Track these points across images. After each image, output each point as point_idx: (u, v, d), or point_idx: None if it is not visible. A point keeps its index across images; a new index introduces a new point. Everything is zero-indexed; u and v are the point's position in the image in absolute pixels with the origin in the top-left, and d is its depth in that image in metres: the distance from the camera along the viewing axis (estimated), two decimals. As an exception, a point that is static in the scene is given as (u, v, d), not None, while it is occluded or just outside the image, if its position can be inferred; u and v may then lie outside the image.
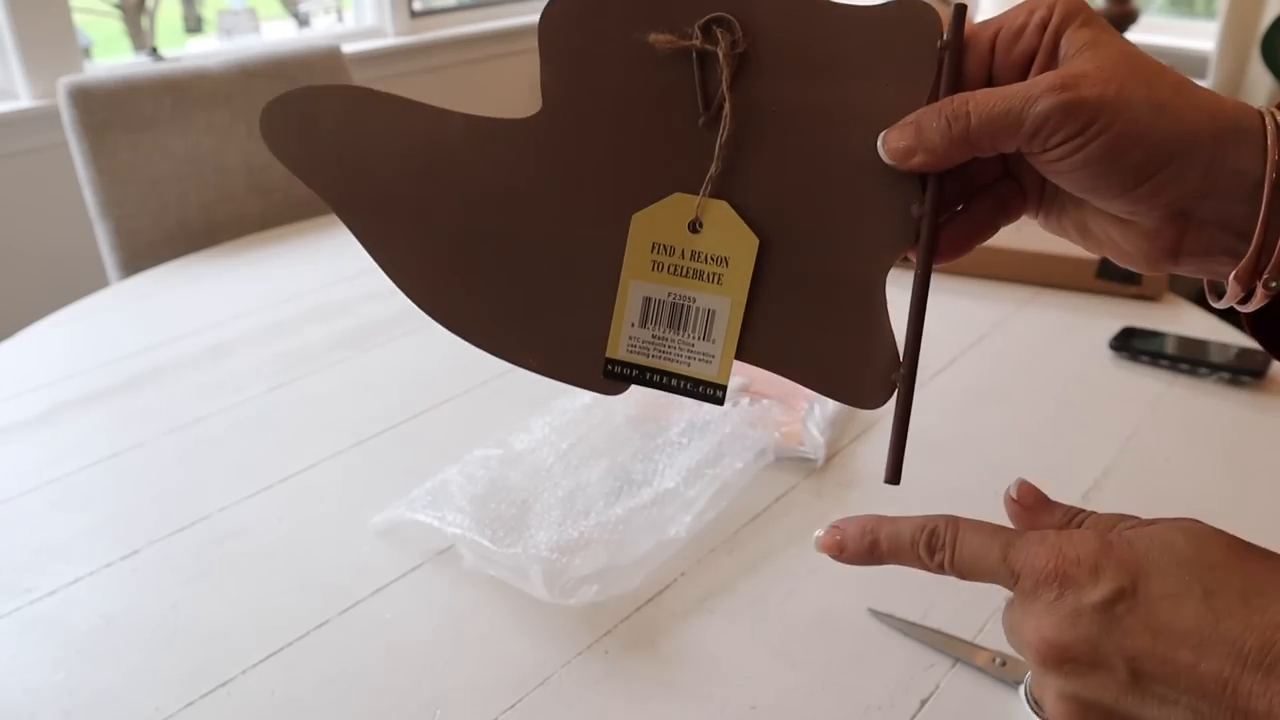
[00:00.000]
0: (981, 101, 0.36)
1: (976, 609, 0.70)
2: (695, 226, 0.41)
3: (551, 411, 0.90)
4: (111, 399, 1.00)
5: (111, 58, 2.39)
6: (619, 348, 0.42)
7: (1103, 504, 0.81)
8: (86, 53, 2.21)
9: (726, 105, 0.39)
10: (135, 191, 1.44)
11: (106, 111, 1.41)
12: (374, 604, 0.72)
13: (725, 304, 0.41)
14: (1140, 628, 0.34)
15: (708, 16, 0.39)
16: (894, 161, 0.38)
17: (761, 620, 0.70)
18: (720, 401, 0.42)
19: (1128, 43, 0.37)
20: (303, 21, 2.89)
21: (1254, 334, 0.41)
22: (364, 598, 0.72)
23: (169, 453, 0.91)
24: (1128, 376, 1.00)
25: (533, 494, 0.79)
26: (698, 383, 0.42)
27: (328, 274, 1.28)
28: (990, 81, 0.38)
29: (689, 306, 0.41)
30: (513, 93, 2.87)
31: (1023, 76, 0.38)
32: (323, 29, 2.84)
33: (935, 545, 0.41)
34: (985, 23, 0.39)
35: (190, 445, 0.92)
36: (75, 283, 1.53)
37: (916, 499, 0.82)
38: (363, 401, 0.98)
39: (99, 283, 1.37)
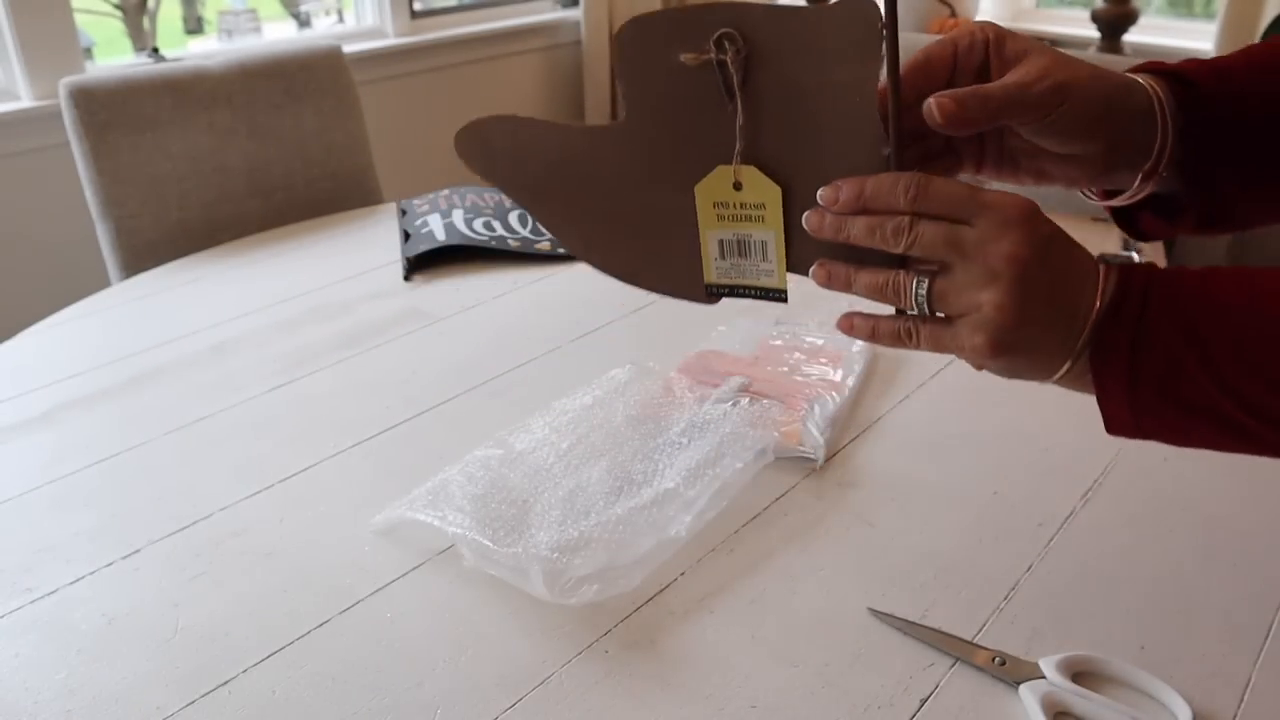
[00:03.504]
0: (999, 90, 0.52)
1: (976, 609, 0.70)
2: (737, 186, 0.57)
3: (551, 411, 0.90)
4: (113, 399, 1.00)
5: (112, 58, 2.39)
6: (711, 275, 0.60)
7: (1102, 504, 0.81)
8: (87, 53, 2.21)
9: (738, 97, 0.55)
10: (136, 191, 1.44)
11: (107, 112, 1.41)
12: (374, 604, 0.72)
13: (770, 234, 0.58)
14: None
15: (717, 33, 0.54)
16: (942, 119, 0.51)
17: (761, 620, 0.70)
18: (784, 300, 0.59)
19: (1048, 45, 0.55)
20: (303, 22, 2.89)
21: (1122, 224, 0.61)
22: (364, 597, 0.72)
23: (170, 452, 0.91)
24: (1127, 377, 1.00)
25: (533, 494, 0.79)
26: (767, 290, 0.59)
27: (328, 274, 1.28)
28: (953, 82, 0.55)
29: (748, 240, 0.58)
30: (513, 93, 2.87)
31: (980, 77, 0.55)
32: (323, 29, 2.85)
33: (910, 184, 0.51)
34: (939, 43, 0.56)
35: (191, 445, 0.92)
36: (76, 283, 1.54)
37: (917, 498, 0.83)
38: (363, 401, 0.98)
39: (100, 283, 1.37)
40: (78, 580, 0.75)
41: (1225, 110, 0.55)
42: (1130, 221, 0.61)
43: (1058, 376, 0.52)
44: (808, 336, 1.04)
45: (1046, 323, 0.50)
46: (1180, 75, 0.56)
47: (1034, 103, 0.52)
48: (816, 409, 0.91)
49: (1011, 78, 0.52)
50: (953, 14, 2.49)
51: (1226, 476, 0.84)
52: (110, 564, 0.76)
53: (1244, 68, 0.57)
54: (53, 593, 0.74)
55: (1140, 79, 0.56)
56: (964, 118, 0.51)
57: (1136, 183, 0.56)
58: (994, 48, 0.54)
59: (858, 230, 0.53)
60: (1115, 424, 0.51)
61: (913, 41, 1.75)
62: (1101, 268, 0.51)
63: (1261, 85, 0.56)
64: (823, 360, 1.00)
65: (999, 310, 0.49)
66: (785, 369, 0.99)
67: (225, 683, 0.65)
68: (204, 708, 0.63)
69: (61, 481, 0.87)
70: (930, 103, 0.51)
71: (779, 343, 1.04)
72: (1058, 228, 0.50)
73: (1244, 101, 0.56)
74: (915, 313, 0.53)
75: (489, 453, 0.84)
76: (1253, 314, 0.48)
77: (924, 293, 0.52)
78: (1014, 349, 0.50)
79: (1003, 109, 0.52)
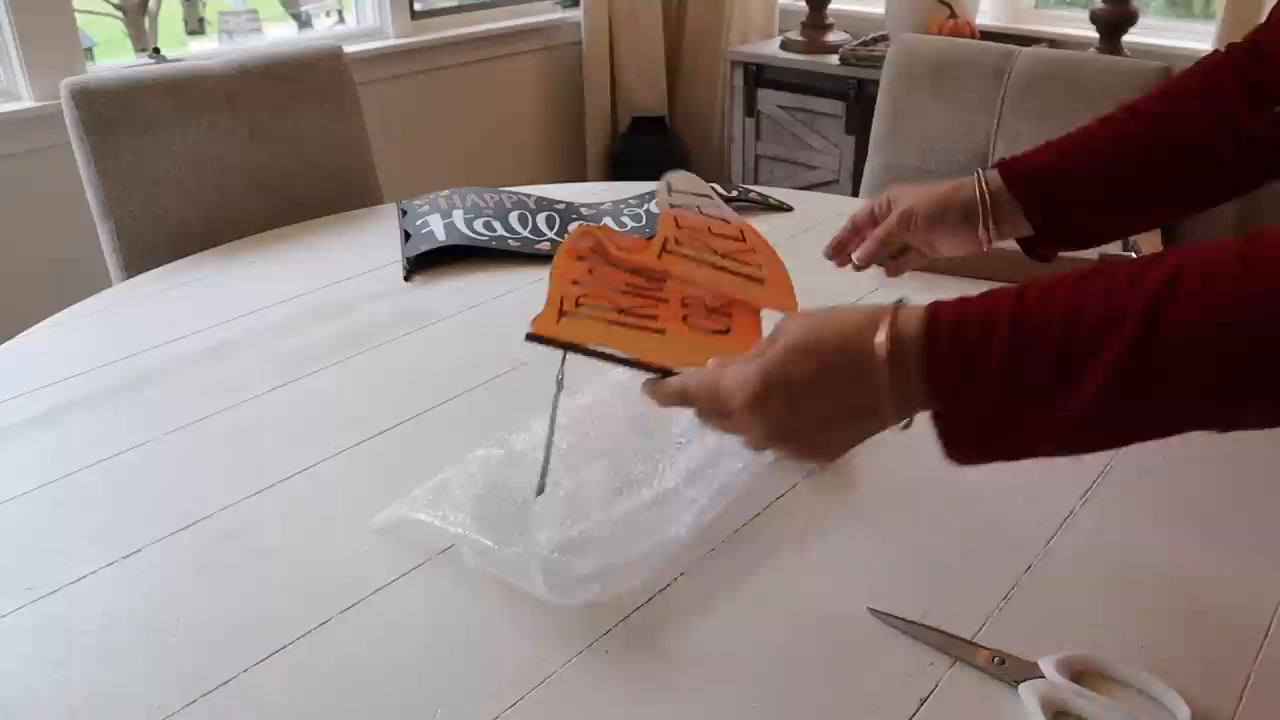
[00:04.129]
0: (879, 234, 0.90)
1: (976, 608, 0.70)
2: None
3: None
4: (114, 399, 1.00)
5: (113, 59, 2.40)
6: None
7: (1102, 504, 0.81)
8: (88, 54, 2.21)
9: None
10: (137, 192, 1.44)
11: (109, 112, 1.41)
12: (374, 604, 0.72)
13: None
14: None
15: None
16: (859, 265, 0.92)
17: (761, 620, 0.70)
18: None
19: (909, 185, 0.92)
20: (303, 22, 2.89)
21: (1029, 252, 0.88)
22: (364, 597, 0.73)
23: (171, 452, 0.91)
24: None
25: (533, 494, 0.79)
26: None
27: (328, 274, 1.28)
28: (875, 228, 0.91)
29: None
30: (513, 93, 2.88)
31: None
32: (323, 30, 2.85)
33: (673, 393, 0.65)
34: (861, 210, 0.92)
35: (192, 445, 0.92)
36: (78, 283, 1.53)
37: (917, 498, 0.83)
38: (363, 401, 0.98)
39: (101, 283, 1.37)
40: (79, 580, 0.75)
41: (1053, 176, 0.84)
42: (1033, 249, 0.87)
43: (897, 427, 0.59)
44: (709, 210, 0.84)
45: (829, 427, 0.59)
46: (1015, 163, 0.85)
47: (895, 230, 0.88)
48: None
49: (881, 226, 0.89)
50: (951, 14, 2.49)
51: (1226, 476, 0.84)
52: (111, 563, 0.77)
53: (1074, 142, 0.84)
54: (54, 592, 0.74)
55: (976, 175, 0.85)
56: (868, 260, 0.91)
57: (989, 236, 0.86)
58: (889, 206, 0.90)
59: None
60: (964, 458, 0.57)
61: (913, 41, 1.75)
62: (890, 356, 0.56)
63: (1084, 156, 0.84)
64: (741, 250, 0.81)
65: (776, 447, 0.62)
66: (708, 267, 0.78)
67: (225, 682, 0.65)
68: (204, 707, 0.64)
69: (62, 481, 0.87)
70: (854, 257, 0.92)
71: (686, 215, 0.83)
72: (794, 374, 0.58)
73: (1068, 167, 0.84)
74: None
75: (489, 452, 0.84)
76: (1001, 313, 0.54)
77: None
78: (803, 455, 0.63)
79: (883, 243, 0.89)
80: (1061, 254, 0.87)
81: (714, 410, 0.62)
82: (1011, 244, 0.88)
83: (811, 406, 0.58)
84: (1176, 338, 0.48)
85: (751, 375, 0.59)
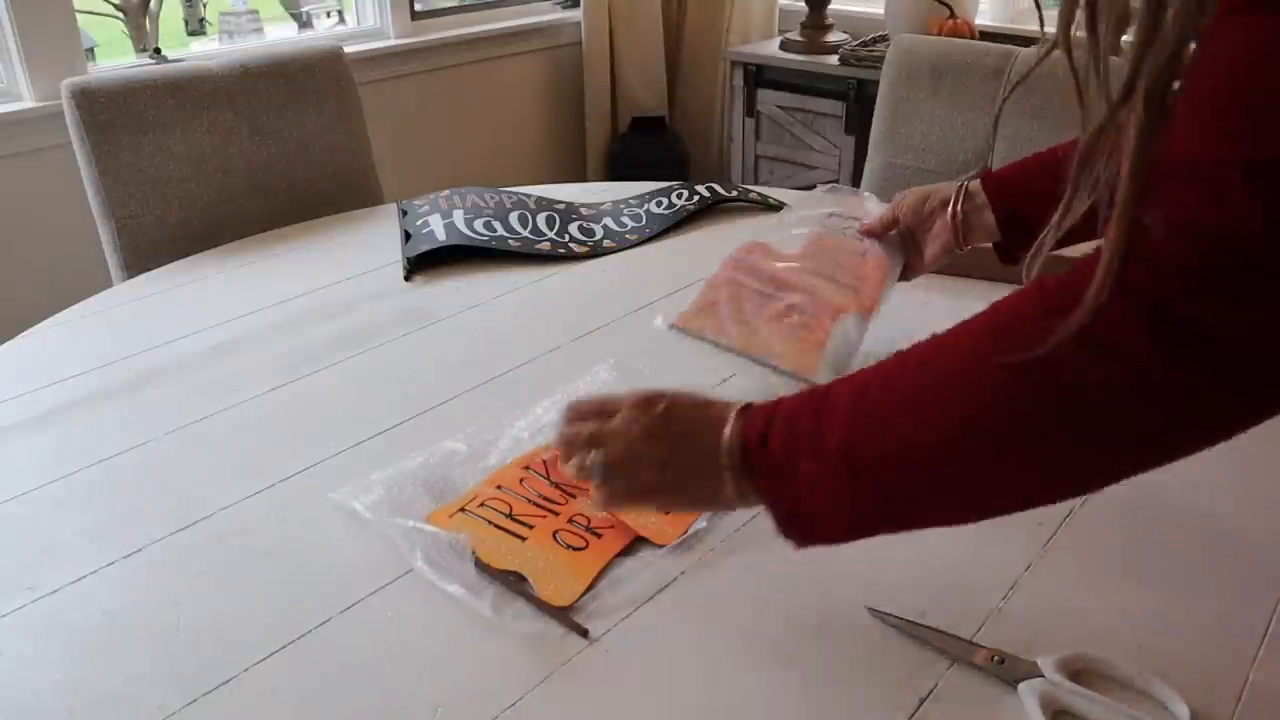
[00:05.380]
0: (882, 216, 1.03)
1: (975, 608, 0.70)
2: None
3: (532, 414, 0.92)
4: (114, 399, 1.00)
5: (114, 59, 2.40)
6: None
7: (1101, 504, 0.81)
8: (89, 54, 2.22)
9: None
10: (138, 192, 1.44)
11: (109, 112, 1.41)
12: (374, 603, 0.72)
13: None
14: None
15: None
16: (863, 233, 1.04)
17: (761, 620, 0.70)
18: None
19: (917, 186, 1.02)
20: (304, 23, 2.90)
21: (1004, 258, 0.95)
22: (364, 597, 0.73)
23: (171, 452, 0.91)
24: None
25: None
26: None
27: (328, 274, 1.28)
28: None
29: None
30: (513, 94, 2.88)
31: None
32: (324, 30, 2.85)
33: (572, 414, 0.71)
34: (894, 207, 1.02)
35: (192, 445, 0.92)
36: (78, 283, 1.54)
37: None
38: (363, 401, 0.98)
39: (102, 283, 1.37)
40: (80, 579, 0.75)
41: (1023, 185, 0.91)
42: (1009, 254, 0.94)
43: (725, 499, 0.64)
44: (857, 236, 1.03)
45: (678, 455, 0.65)
46: (994, 171, 0.94)
47: (890, 210, 1.01)
48: (837, 336, 0.92)
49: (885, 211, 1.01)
50: (951, 15, 2.49)
51: (1226, 476, 0.84)
52: (112, 563, 0.77)
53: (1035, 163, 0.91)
54: (55, 592, 0.74)
55: (960, 182, 0.95)
56: (874, 233, 1.02)
57: (958, 228, 0.95)
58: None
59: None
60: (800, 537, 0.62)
61: (913, 41, 1.75)
62: (731, 417, 0.63)
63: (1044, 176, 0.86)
64: (859, 267, 1.00)
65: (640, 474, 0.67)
66: (822, 279, 0.99)
67: (226, 682, 0.65)
68: (205, 707, 0.64)
69: (63, 481, 0.87)
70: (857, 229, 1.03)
71: (832, 237, 1.04)
72: (682, 397, 0.66)
73: (1031, 180, 0.90)
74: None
75: (454, 446, 0.87)
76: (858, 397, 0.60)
77: (600, 461, 0.67)
78: (646, 480, 0.66)
79: (882, 219, 1.01)
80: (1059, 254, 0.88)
81: (598, 410, 0.68)
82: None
83: (680, 423, 0.65)
84: (856, 456, 0.57)
85: (646, 389, 0.67)
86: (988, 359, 0.54)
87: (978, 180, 0.94)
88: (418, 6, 2.62)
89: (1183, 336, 0.48)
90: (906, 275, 1.02)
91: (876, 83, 1.77)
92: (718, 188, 1.47)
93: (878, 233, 1.01)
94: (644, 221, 1.41)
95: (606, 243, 1.36)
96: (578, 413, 0.69)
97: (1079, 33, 0.52)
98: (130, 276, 1.40)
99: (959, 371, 0.56)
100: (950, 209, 0.94)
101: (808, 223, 1.06)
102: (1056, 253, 0.86)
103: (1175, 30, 0.47)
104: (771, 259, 1.02)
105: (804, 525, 0.61)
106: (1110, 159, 0.51)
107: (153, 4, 2.65)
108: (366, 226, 1.44)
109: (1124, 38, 0.51)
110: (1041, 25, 0.57)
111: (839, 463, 0.57)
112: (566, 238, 1.35)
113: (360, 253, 1.34)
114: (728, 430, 0.62)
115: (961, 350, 0.57)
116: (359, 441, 0.91)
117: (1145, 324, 0.49)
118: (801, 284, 0.98)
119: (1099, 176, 0.52)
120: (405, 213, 1.41)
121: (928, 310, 1.18)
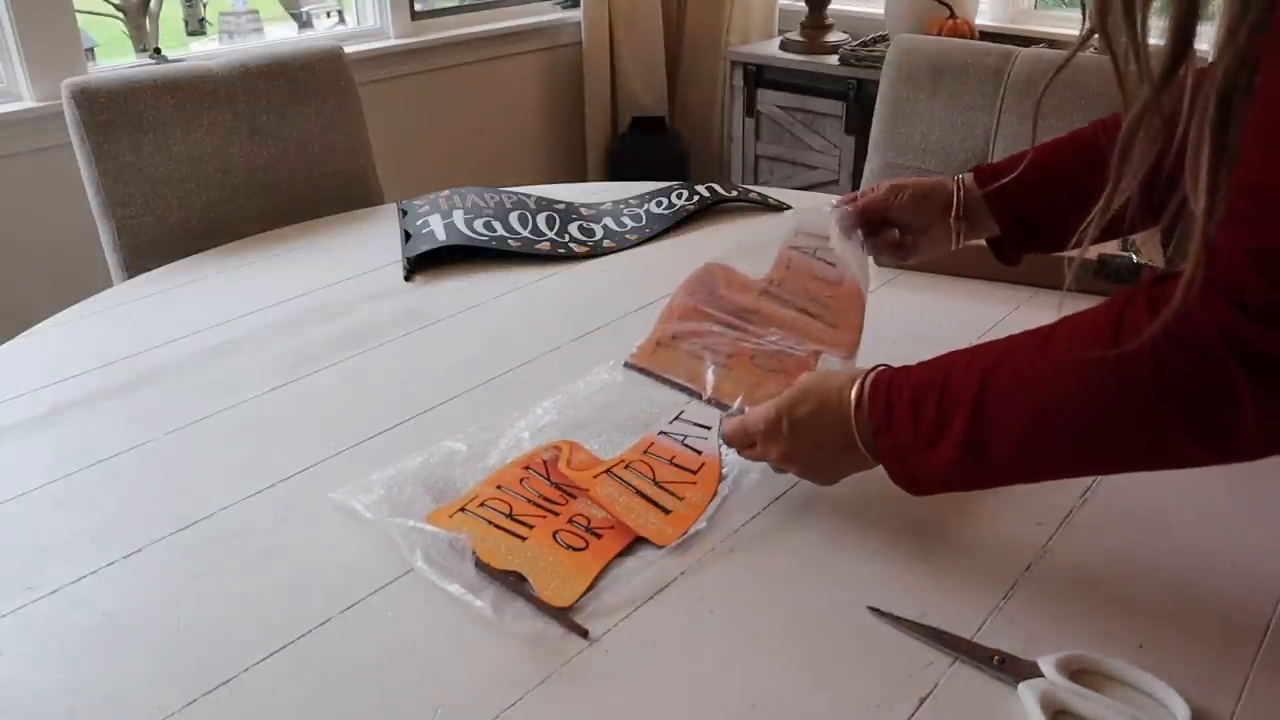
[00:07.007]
0: (866, 196, 0.96)
1: (975, 608, 0.70)
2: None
3: (531, 414, 0.92)
4: (114, 399, 1.00)
5: (114, 59, 2.40)
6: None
7: (1101, 503, 0.81)
8: (89, 54, 2.22)
9: None
10: (138, 192, 1.44)
11: (109, 112, 1.41)
12: (374, 603, 0.72)
13: None
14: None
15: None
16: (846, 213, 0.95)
17: (761, 620, 0.70)
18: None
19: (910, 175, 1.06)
20: (304, 23, 2.90)
21: (999, 255, 0.95)
22: (364, 597, 0.73)
23: (171, 452, 0.91)
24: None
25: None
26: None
27: (328, 274, 1.28)
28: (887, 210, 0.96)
29: None
30: (513, 94, 2.88)
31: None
32: (324, 30, 2.85)
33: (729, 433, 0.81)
34: (882, 188, 0.95)
35: (192, 445, 0.92)
36: (78, 283, 1.53)
37: (917, 498, 0.83)
38: (363, 401, 0.98)
39: (102, 283, 1.37)
40: (80, 579, 0.75)
41: (1019, 184, 0.88)
42: (1001, 252, 0.95)
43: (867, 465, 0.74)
44: (825, 257, 0.97)
45: (822, 453, 0.76)
46: (987, 168, 0.92)
47: (881, 198, 0.94)
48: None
49: (872, 190, 0.95)
50: (951, 15, 2.49)
51: (1225, 476, 0.83)
52: (112, 563, 0.77)
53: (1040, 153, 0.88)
54: (55, 592, 0.74)
55: (955, 178, 0.93)
56: (841, 203, 0.95)
57: (960, 232, 0.93)
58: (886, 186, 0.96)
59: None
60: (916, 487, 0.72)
61: (913, 41, 1.75)
62: (855, 402, 0.72)
63: (1048, 166, 0.88)
64: (833, 299, 0.94)
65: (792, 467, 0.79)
66: (794, 311, 0.93)
67: (226, 682, 0.65)
68: (205, 706, 0.64)
69: (63, 481, 0.87)
70: (832, 201, 0.96)
71: (799, 259, 0.97)
72: (798, 410, 0.75)
73: (1038, 175, 0.87)
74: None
75: (454, 446, 0.86)
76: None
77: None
78: (807, 475, 0.79)
79: (866, 204, 0.94)
80: (1057, 254, 0.88)
81: (742, 441, 0.79)
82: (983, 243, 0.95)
83: (808, 435, 0.75)
84: (990, 417, 0.65)
85: (769, 409, 0.77)
86: (1093, 366, 0.60)
87: (975, 181, 0.92)
88: (418, 6, 2.62)
89: (1252, 355, 0.54)
90: (888, 260, 0.98)
91: (876, 83, 1.77)
92: (718, 188, 1.47)
93: (846, 202, 0.95)
94: (644, 221, 1.41)
95: (606, 243, 1.36)
96: (729, 440, 0.81)
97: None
98: (130, 276, 1.40)
99: (1069, 374, 0.62)
100: (953, 217, 0.92)
101: (771, 243, 0.98)
102: (1056, 253, 0.86)
103: (1245, 34, 0.49)
104: (735, 287, 0.95)
105: (921, 489, 0.71)
106: (1147, 150, 0.56)
107: (153, 4, 2.65)
108: (366, 226, 1.44)
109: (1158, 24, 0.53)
110: (1084, 12, 0.58)
111: (962, 452, 0.66)
112: (566, 238, 1.35)
113: (360, 253, 1.34)
114: (855, 430, 0.72)
115: (1063, 364, 0.63)
116: (359, 441, 0.91)
117: (1218, 339, 0.54)
118: (773, 317, 0.92)
119: (1136, 167, 0.57)
120: (405, 213, 1.41)
121: (928, 310, 1.17)
